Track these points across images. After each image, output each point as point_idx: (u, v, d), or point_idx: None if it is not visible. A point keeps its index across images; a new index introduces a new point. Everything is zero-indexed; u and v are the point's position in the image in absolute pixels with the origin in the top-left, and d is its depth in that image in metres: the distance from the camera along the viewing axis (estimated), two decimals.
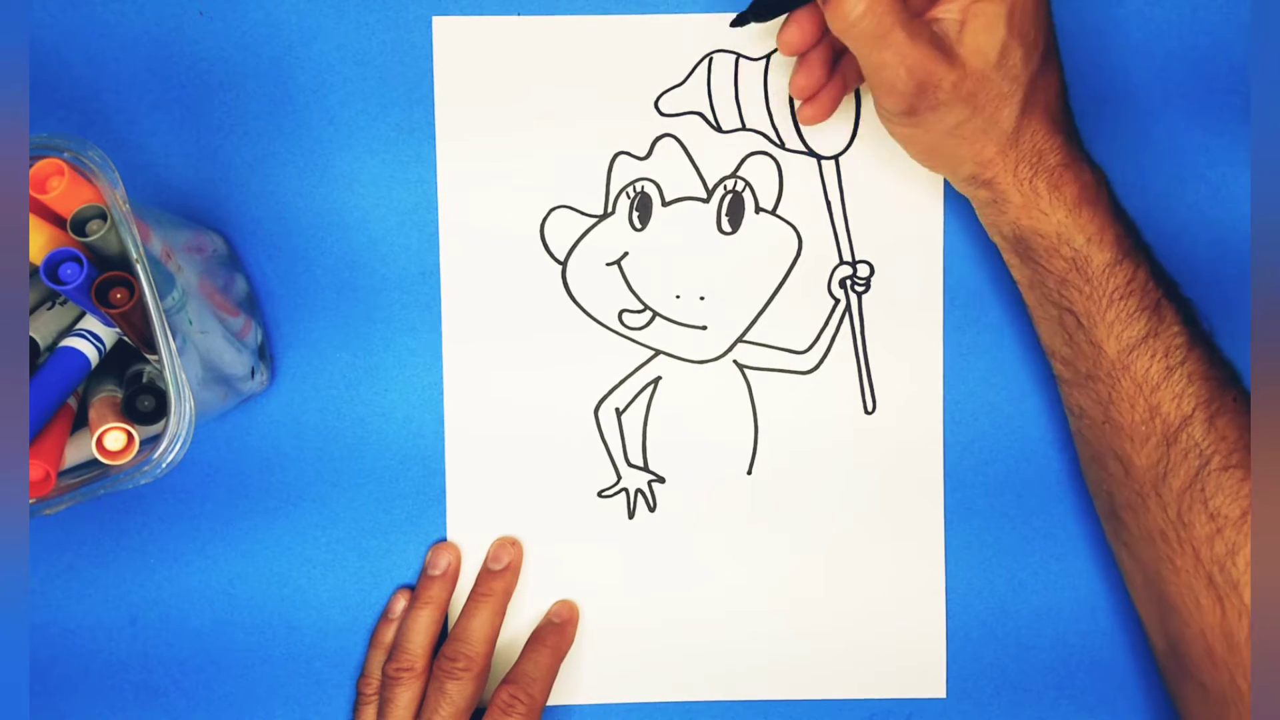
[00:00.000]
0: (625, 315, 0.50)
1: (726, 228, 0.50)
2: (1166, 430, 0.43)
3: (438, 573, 0.50)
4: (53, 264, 0.36)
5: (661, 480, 0.51)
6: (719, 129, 0.50)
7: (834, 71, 0.47)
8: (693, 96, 0.50)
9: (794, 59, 0.47)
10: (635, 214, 0.50)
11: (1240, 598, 0.42)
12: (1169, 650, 0.46)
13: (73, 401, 0.41)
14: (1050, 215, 0.43)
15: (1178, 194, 0.50)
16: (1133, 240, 0.44)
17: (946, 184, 0.50)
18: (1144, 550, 0.45)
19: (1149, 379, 0.43)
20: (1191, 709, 0.45)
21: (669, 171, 0.50)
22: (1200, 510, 0.42)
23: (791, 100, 0.49)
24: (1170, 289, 0.44)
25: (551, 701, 0.50)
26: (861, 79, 0.47)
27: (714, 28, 0.49)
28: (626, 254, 0.50)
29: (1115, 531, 0.47)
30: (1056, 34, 0.44)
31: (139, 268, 0.36)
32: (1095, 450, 0.46)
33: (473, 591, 0.50)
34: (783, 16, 0.45)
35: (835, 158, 0.50)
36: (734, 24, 0.45)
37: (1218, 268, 0.50)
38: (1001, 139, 0.43)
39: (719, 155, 0.50)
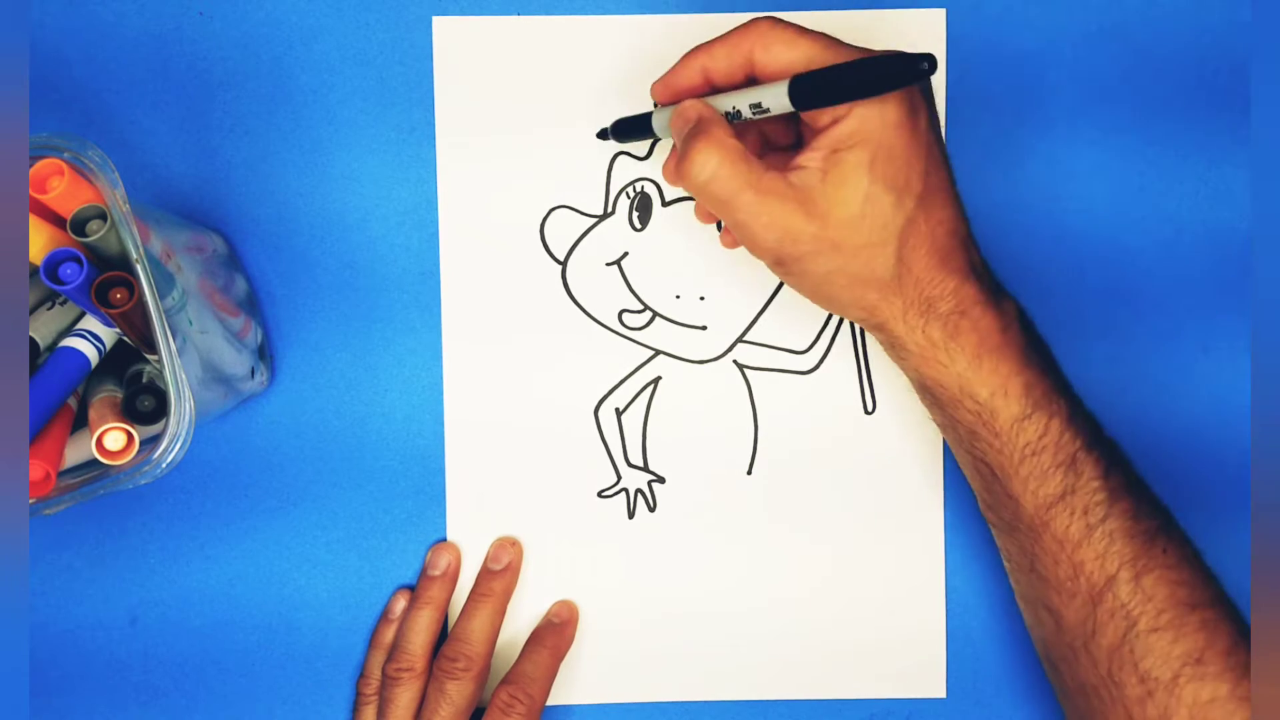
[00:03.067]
0: (625, 315, 0.50)
1: None
2: (1091, 590, 0.41)
3: (437, 573, 0.50)
4: (53, 264, 0.36)
5: (661, 480, 0.51)
6: None
7: None
8: None
9: None
10: (635, 214, 0.50)
11: None
12: None
13: (73, 401, 0.41)
14: (949, 366, 0.41)
15: (1176, 194, 0.50)
16: (1045, 387, 0.41)
17: None
18: (1080, 702, 0.43)
19: (1070, 537, 0.41)
20: None
21: None
22: (1130, 671, 0.41)
23: None
24: (1091, 434, 0.42)
25: (551, 701, 0.50)
26: None
27: (714, 28, 0.49)
28: (626, 254, 0.50)
29: (1052, 679, 0.45)
30: (949, 172, 0.41)
31: (139, 268, 0.36)
32: (1027, 597, 0.45)
33: (473, 591, 0.50)
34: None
35: None
36: (599, 136, 0.48)
37: (1218, 269, 0.50)
38: (881, 285, 0.41)
39: None
